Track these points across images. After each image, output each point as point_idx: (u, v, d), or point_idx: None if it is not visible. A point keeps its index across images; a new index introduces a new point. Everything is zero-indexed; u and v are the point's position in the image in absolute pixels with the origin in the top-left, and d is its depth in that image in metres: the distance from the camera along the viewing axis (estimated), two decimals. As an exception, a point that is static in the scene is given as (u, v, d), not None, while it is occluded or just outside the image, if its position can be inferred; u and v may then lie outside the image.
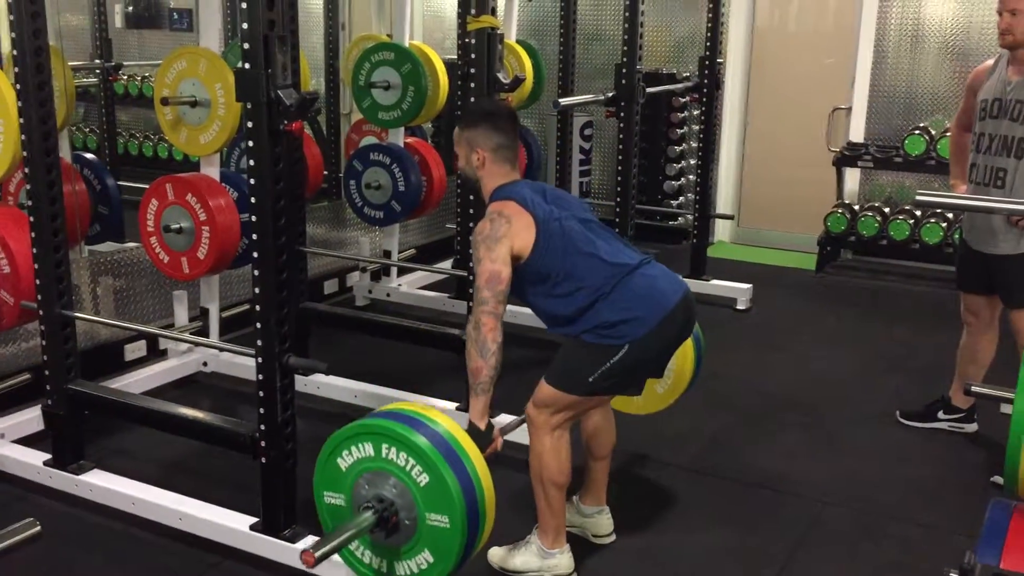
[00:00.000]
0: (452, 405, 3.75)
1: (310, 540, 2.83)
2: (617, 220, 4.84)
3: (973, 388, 2.35)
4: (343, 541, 2.37)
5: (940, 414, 3.86)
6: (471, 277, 3.55)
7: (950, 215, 5.76)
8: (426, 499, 2.34)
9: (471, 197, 3.85)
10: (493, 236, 2.61)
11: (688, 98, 6.47)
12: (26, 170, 3.10)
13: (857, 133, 6.30)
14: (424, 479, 2.33)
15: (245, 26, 2.48)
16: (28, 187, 3.11)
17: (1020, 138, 3.29)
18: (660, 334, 2.65)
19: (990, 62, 3.52)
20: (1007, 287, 3.49)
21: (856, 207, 6.14)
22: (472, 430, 2.56)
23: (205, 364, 4.36)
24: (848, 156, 6.16)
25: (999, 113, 3.36)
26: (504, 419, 3.38)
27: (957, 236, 3.79)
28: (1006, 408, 2.09)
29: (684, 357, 3.17)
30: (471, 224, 3.84)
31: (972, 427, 3.83)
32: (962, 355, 3.80)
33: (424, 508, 2.34)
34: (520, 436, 2.90)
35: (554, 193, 2.82)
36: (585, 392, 2.68)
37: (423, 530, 2.36)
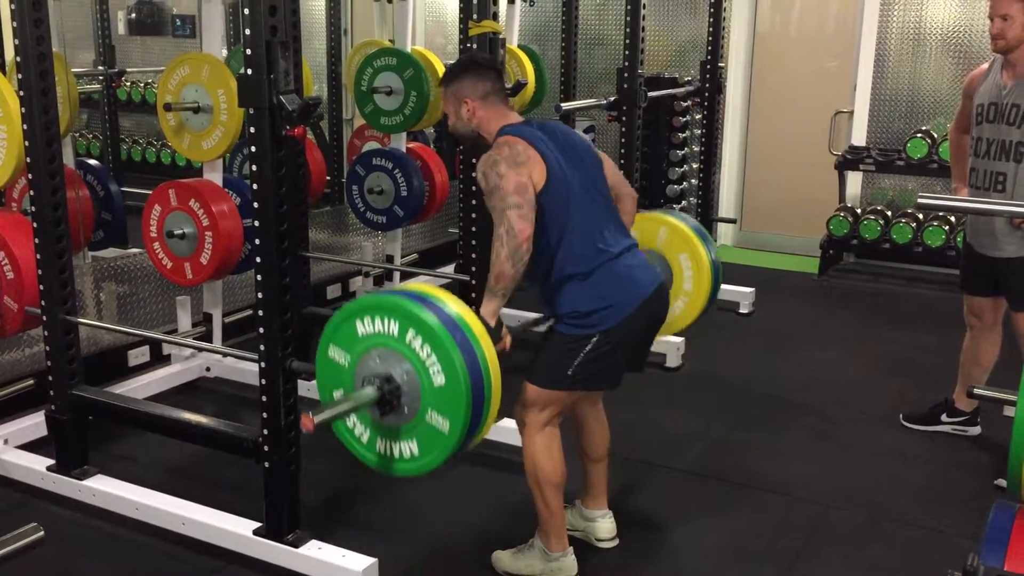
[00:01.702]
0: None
1: (314, 545, 2.84)
2: (619, 224, 4.83)
3: (976, 391, 2.35)
4: (342, 410, 2.36)
5: (943, 417, 3.86)
6: (474, 281, 3.56)
7: (952, 218, 5.76)
8: (433, 390, 2.30)
9: (473, 202, 3.85)
10: (515, 159, 2.54)
11: (690, 102, 6.47)
12: (30, 176, 3.11)
13: (859, 136, 6.30)
14: (436, 369, 2.28)
15: (247, 32, 2.49)
16: (31, 193, 3.12)
17: (1018, 142, 3.30)
18: (630, 325, 2.65)
19: (985, 66, 3.54)
20: (1014, 290, 3.49)
21: (858, 210, 6.14)
22: (483, 325, 2.48)
23: (208, 369, 4.37)
24: (850, 159, 6.16)
25: (996, 117, 3.37)
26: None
27: (960, 239, 3.79)
28: (1009, 411, 2.08)
29: (700, 273, 3.30)
30: (474, 229, 3.85)
31: (975, 430, 3.83)
32: (965, 357, 3.80)
33: (429, 397, 2.31)
34: (520, 440, 2.89)
35: (564, 138, 2.73)
36: (565, 386, 2.68)
37: (426, 394, 2.32)
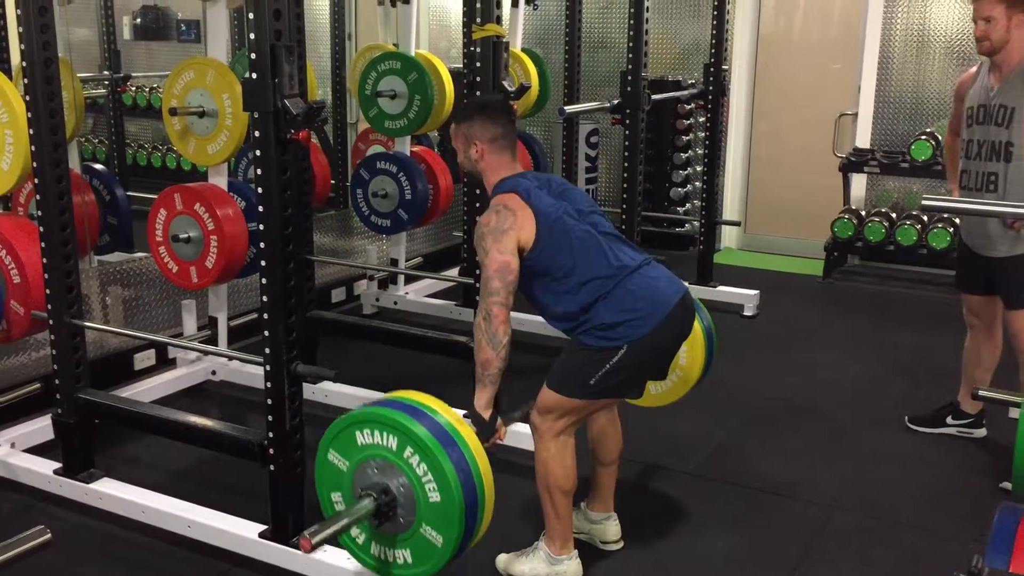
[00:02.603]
0: (460, 412, 3.74)
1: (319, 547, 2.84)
2: (624, 227, 4.84)
3: (981, 392, 2.36)
4: (341, 528, 2.39)
5: (949, 419, 3.86)
6: (478, 284, 3.56)
7: (957, 220, 5.75)
8: (428, 505, 2.36)
9: (477, 205, 3.86)
10: (500, 228, 2.61)
11: (694, 105, 6.47)
12: (36, 180, 3.12)
13: (863, 139, 6.30)
14: (432, 487, 2.35)
15: (252, 36, 2.50)
16: (38, 197, 3.13)
17: (1007, 142, 3.34)
18: (658, 336, 2.65)
19: (974, 69, 3.58)
20: (1007, 289, 3.50)
21: (863, 212, 6.14)
22: (476, 420, 2.58)
23: (214, 373, 4.38)
24: (854, 162, 6.16)
25: (985, 119, 3.41)
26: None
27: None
28: (1014, 413, 2.09)
29: (694, 349, 3.18)
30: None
31: (980, 432, 3.82)
32: (967, 358, 3.81)
33: (424, 511, 2.37)
34: (529, 443, 2.90)
35: (560, 186, 2.81)
36: (587, 396, 2.69)
37: (422, 509, 2.38)
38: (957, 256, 3.78)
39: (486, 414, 2.61)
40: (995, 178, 3.39)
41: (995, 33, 3.31)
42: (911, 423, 3.95)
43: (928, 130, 5.96)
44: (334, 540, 2.45)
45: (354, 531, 2.51)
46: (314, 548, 2.32)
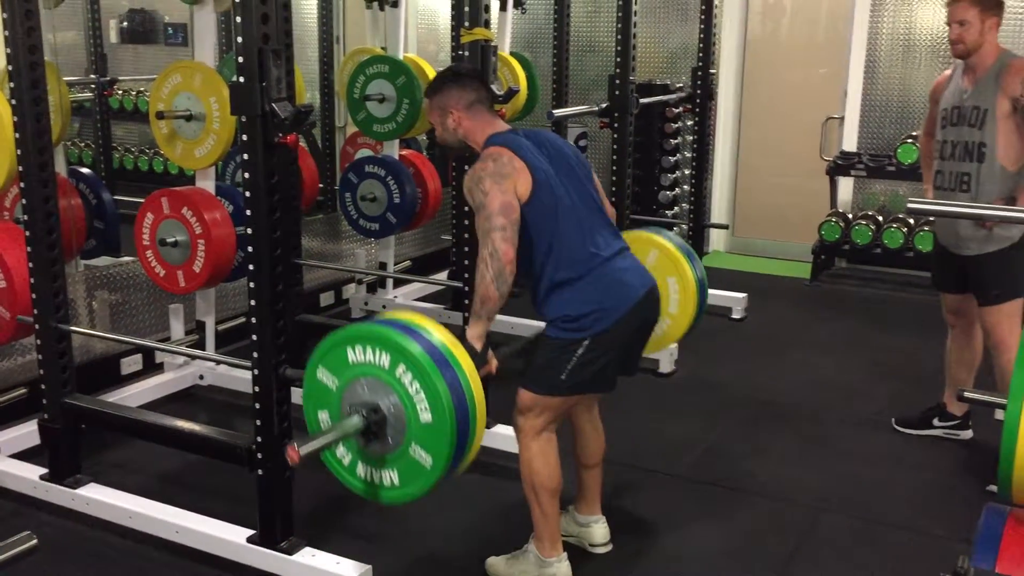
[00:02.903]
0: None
1: (308, 552, 2.84)
2: (612, 230, 4.84)
3: (967, 394, 2.36)
4: (328, 441, 2.37)
5: (935, 421, 3.88)
6: (467, 288, 3.56)
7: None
8: (419, 425, 2.32)
9: (466, 208, 3.86)
10: (499, 172, 2.56)
11: (682, 108, 6.48)
12: (22, 184, 3.11)
13: (850, 142, 6.33)
14: (424, 406, 2.30)
15: (240, 40, 2.50)
16: (24, 201, 3.12)
17: (979, 143, 3.40)
18: (621, 328, 2.65)
19: (948, 72, 3.63)
20: (980, 286, 3.55)
21: (850, 216, 6.17)
22: (469, 350, 2.51)
23: (201, 377, 4.36)
24: (841, 165, 6.18)
25: (959, 120, 3.47)
26: (501, 430, 3.38)
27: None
28: (1000, 414, 2.10)
29: (686, 291, 3.23)
30: (467, 235, 3.85)
31: (967, 434, 3.85)
32: (950, 359, 3.85)
33: (414, 431, 2.33)
34: (515, 447, 2.90)
35: (555, 146, 2.76)
36: (561, 392, 2.69)
37: (412, 428, 2.35)
38: (933, 256, 3.84)
39: (478, 345, 2.56)
40: (968, 178, 3.45)
41: (969, 36, 3.37)
42: (898, 425, 3.97)
43: (914, 133, 5.98)
44: (319, 455, 2.41)
45: (340, 452, 2.47)
46: (301, 460, 2.29)
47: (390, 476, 2.42)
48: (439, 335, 2.38)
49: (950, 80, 3.58)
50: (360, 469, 2.47)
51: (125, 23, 6.52)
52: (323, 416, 2.49)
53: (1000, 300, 3.48)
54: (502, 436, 3.44)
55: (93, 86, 5.84)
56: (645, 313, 2.72)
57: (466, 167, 2.80)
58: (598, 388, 2.81)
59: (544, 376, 2.69)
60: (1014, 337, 3.47)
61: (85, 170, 4.43)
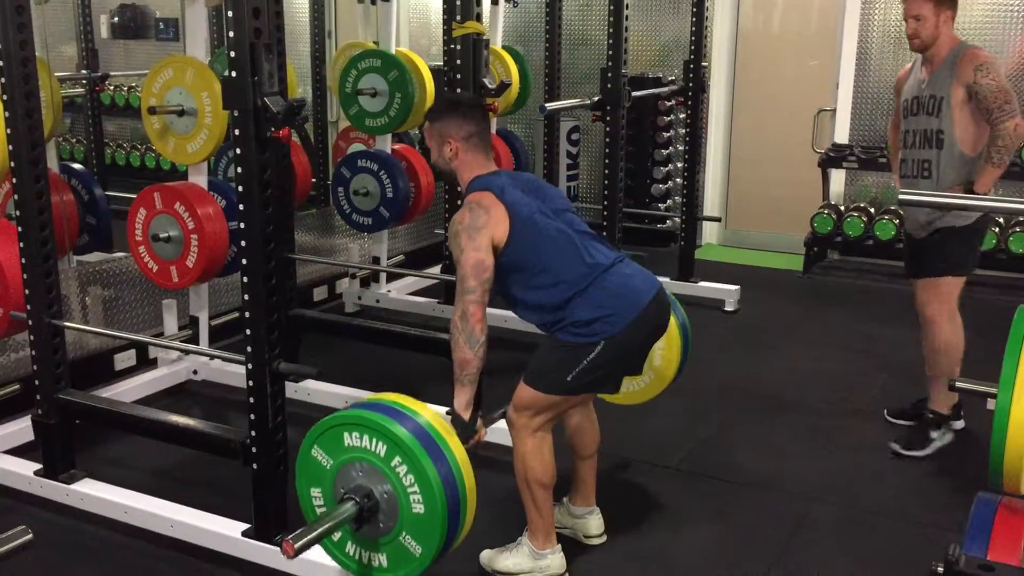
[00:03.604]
0: (443, 409, 3.75)
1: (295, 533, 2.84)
2: (605, 224, 4.86)
3: (958, 384, 2.37)
4: (323, 532, 2.40)
5: (932, 434, 3.81)
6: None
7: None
8: (411, 516, 2.39)
9: (458, 203, 3.87)
10: (474, 225, 2.61)
11: (674, 101, 6.50)
12: (14, 180, 3.10)
13: (842, 134, 6.34)
14: (417, 499, 2.37)
15: (231, 34, 2.50)
16: (16, 197, 3.11)
17: (937, 130, 3.54)
18: (634, 332, 2.67)
19: (909, 65, 3.79)
20: (927, 259, 3.66)
21: (842, 208, 6.18)
22: (456, 421, 2.59)
23: (195, 372, 4.36)
24: (833, 157, 6.20)
25: (918, 110, 3.61)
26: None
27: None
28: (992, 404, 2.11)
29: (671, 346, 3.20)
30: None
31: (959, 424, 3.86)
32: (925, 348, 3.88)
33: (406, 521, 2.40)
34: (509, 439, 2.91)
35: (534, 183, 2.82)
36: (564, 391, 2.70)
37: (404, 519, 2.40)
38: (905, 246, 3.94)
39: (466, 415, 2.62)
40: (928, 165, 3.58)
41: (924, 31, 3.50)
42: (890, 416, 3.98)
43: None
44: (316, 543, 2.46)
45: (345, 545, 2.54)
46: (297, 553, 2.33)
47: (379, 559, 2.49)
48: (435, 425, 2.45)
49: (911, 73, 3.73)
50: (349, 547, 2.54)
51: (116, 18, 6.51)
52: (315, 492, 2.55)
53: (942, 273, 3.62)
54: (496, 430, 3.44)
55: (84, 81, 5.83)
56: (655, 315, 2.73)
57: (459, 187, 2.86)
58: (603, 389, 2.84)
59: (550, 376, 2.69)
60: (942, 316, 3.64)
61: (77, 166, 4.43)
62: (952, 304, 3.65)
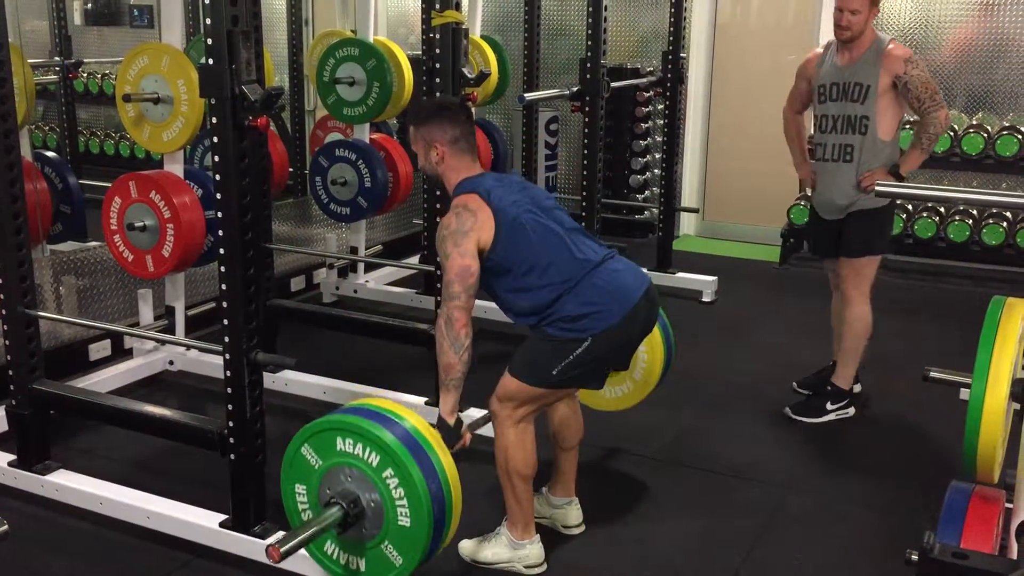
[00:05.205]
0: (421, 400, 3.76)
1: (280, 536, 2.83)
2: (583, 214, 4.87)
3: (933, 374, 2.41)
4: (309, 536, 2.41)
5: (828, 405, 3.92)
6: (439, 272, 3.56)
7: (910, 206, 5.85)
8: (396, 527, 2.40)
9: (437, 192, 3.86)
10: (460, 230, 2.62)
11: (652, 92, 6.51)
12: (-14, 168, 3.06)
13: (818, 126, 6.36)
14: (404, 512, 2.39)
15: (208, 21, 2.48)
16: (-11, 186, 3.08)
17: (862, 116, 3.70)
18: (623, 328, 2.67)
19: (819, 50, 3.93)
20: (847, 239, 3.82)
21: (818, 199, 6.21)
22: (442, 426, 2.60)
23: (171, 363, 4.34)
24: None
25: (839, 96, 3.75)
26: (473, 413, 3.40)
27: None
28: (965, 394, 2.14)
29: (654, 353, 3.22)
30: (438, 219, 3.85)
31: (856, 387, 4.03)
32: (834, 321, 4.07)
33: (390, 531, 2.41)
34: (490, 430, 2.91)
35: (519, 184, 2.83)
36: (549, 384, 2.70)
37: (389, 529, 2.42)
38: (811, 227, 4.13)
39: (451, 419, 2.63)
40: (851, 149, 3.74)
41: (857, 24, 3.64)
42: (799, 387, 4.13)
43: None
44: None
45: (330, 549, 2.55)
46: (283, 558, 2.33)
47: (358, 563, 2.50)
48: (428, 436, 2.45)
49: (822, 59, 3.85)
50: (328, 547, 2.54)
51: (89, 4, 6.43)
52: (300, 489, 2.55)
53: (861, 253, 3.80)
54: (473, 418, 3.44)
55: (58, 68, 5.76)
56: (644, 311, 2.73)
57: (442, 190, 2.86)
58: (588, 384, 2.85)
59: (536, 369, 2.69)
60: (858, 292, 3.84)
61: (51, 154, 4.38)
62: (868, 284, 3.85)
